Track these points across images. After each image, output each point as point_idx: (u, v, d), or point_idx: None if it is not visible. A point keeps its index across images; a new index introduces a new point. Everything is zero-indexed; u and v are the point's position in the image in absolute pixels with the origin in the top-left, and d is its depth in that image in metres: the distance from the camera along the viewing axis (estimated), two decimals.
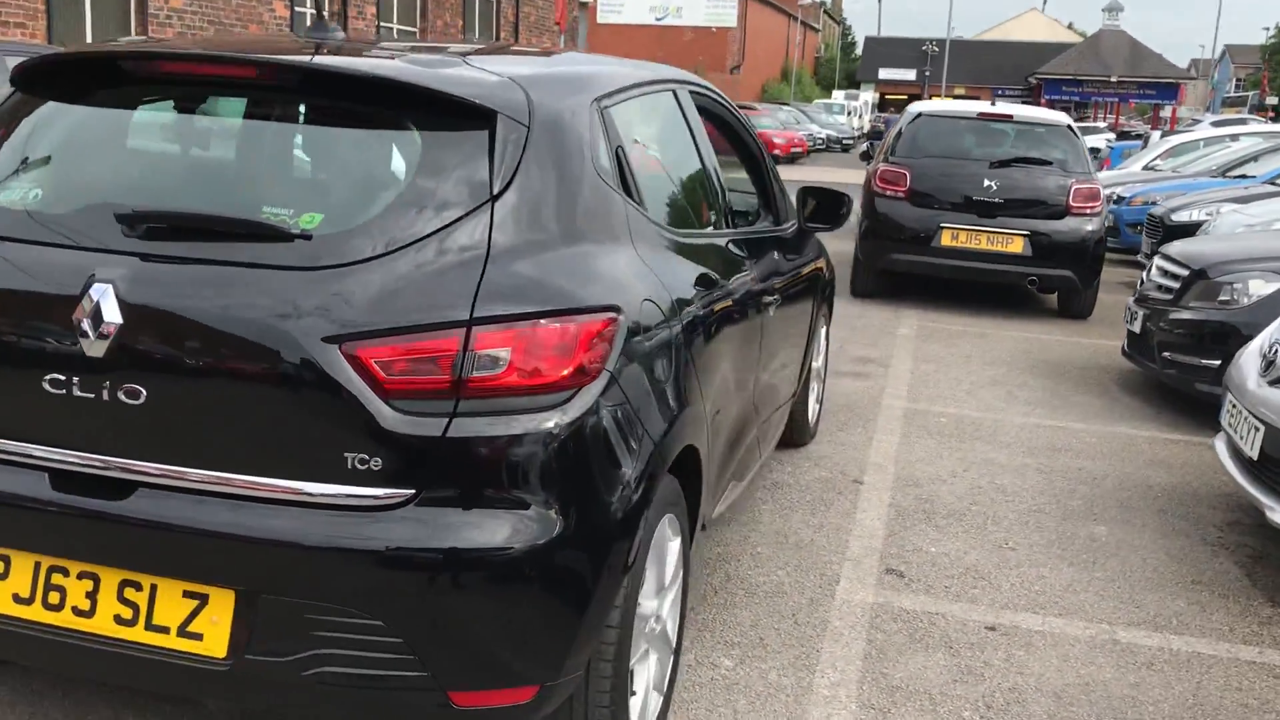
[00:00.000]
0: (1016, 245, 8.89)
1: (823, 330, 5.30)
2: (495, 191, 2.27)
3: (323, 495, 2.11)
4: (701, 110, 3.90)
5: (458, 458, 2.11)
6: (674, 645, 2.83)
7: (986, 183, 8.94)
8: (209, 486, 2.14)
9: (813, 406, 5.29)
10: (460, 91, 2.32)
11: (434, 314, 2.12)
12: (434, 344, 2.10)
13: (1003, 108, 9.66)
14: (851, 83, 78.35)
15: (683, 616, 2.92)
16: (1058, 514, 4.61)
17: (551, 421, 2.17)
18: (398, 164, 2.35)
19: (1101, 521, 4.55)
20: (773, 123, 41.27)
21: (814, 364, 5.15)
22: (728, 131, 4.18)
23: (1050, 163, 9.17)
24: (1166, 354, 6.23)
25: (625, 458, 2.31)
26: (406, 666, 2.13)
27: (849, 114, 59.58)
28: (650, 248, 2.74)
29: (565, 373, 2.19)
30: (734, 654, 3.27)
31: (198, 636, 2.17)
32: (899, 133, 9.63)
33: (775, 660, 3.25)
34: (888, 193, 9.21)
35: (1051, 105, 53.71)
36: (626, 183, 2.73)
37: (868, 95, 71.05)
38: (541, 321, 2.18)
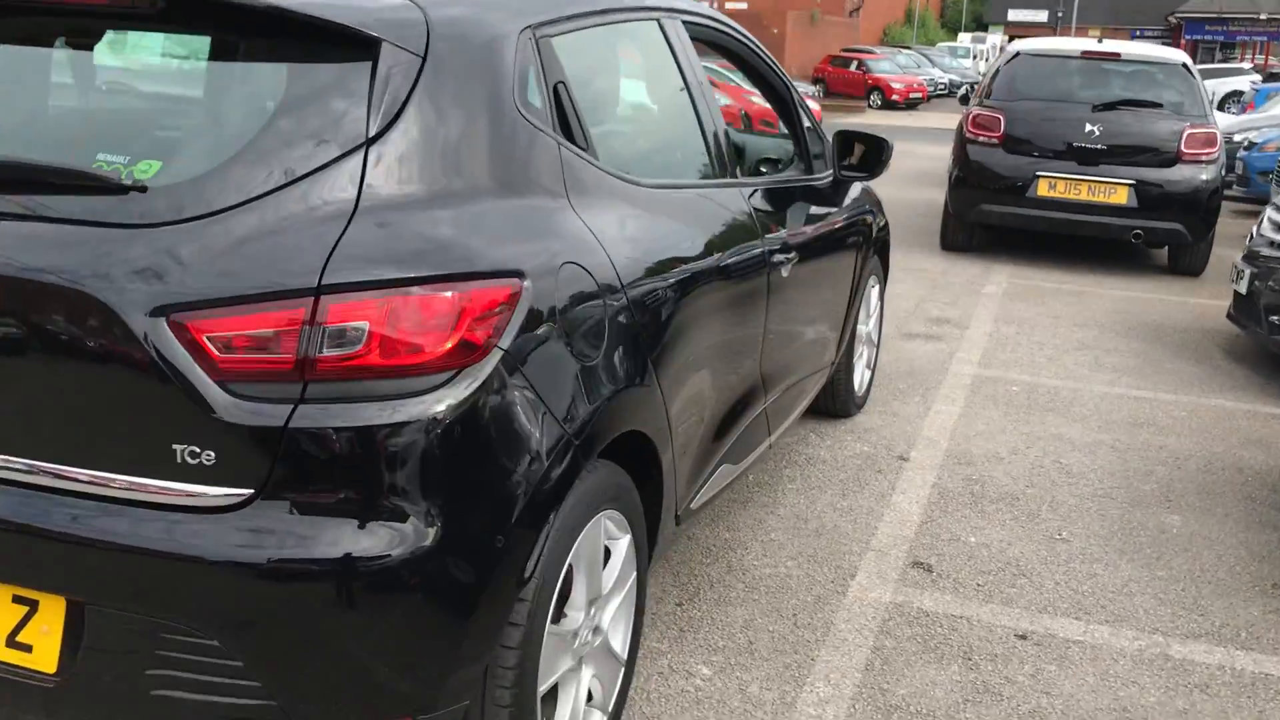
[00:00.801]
0: (1120, 196, 8.18)
1: (874, 290, 4.83)
2: (372, 133, 1.92)
3: (153, 492, 1.81)
4: (713, 45, 3.48)
5: (304, 452, 1.78)
6: (623, 659, 2.48)
7: (1089, 127, 8.23)
8: (30, 478, 1.86)
9: (861, 374, 4.84)
10: (334, 15, 1.96)
11: (277, 280, 1.78)
12: (275, 316, 1.77)
13: (1110, 45, 8.88)
14: (979, 25, 75.42)
15: (638, 625, 2.56)
16: (1126, 499, 4.10)
17: (422, 409, 1.82)
18: (257, 103, 2.01)
19: (1176, 509, 4.03)
20: (891, 67, 39.98)
21: (861, 328, 4.69)
22: (745, 69, 3.75)
23: (1161, 105, 8.39)
24: (1275, 318, 5.59)
25: (522, 450, 1.96)
26: (250, 694, 1.82)
27: (974, 58, 57.34)
28: (598, 202, 2.37)
29: (442, 351, 1.84)
30: (716, 660, 2.90)
31: (26, 648, 1.90)
32: (995, 73, 8.94)
33: (761, 669, 2.87)
34: (980, 139, 8.56)
35: (1194, 46, 50.88)
36: (568, 125, 2.35)
37: (995, 38, 68.23)
38: (414, 289, 1.83)
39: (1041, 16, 72.87)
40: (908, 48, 50.88)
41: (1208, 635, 3.16)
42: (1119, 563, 3.58)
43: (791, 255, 3.40)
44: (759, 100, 21.96)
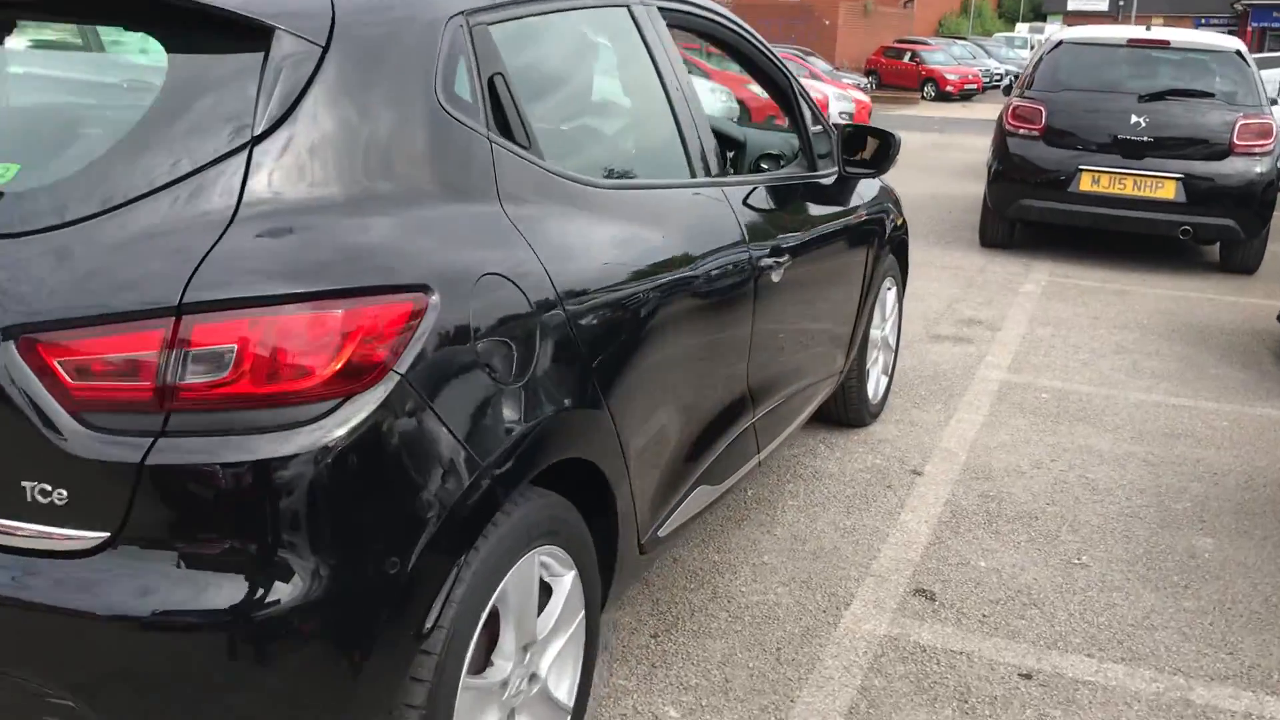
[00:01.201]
0: (1168, 190, 7.80)
1: (890, 293, 4.57)
2: (258, 132, 1.72)
3: (4, 533, 1.62)
4: (699, 33, 3.25)
5: (164, 492, 1.59)
6: (568, 707, 2.25)
7: (1135, 119, 7.86)
8: None
9: (877, 380, 4.58)
10: (222, 1, 1.76)
11: (136, 297, 1.59)
12: (131, 338, 1.58)
13: (1159, 33, 8.49)
14: (1037, 15, 74.12)
15: (589, 667, 2.34)
16: (1155, 519, 3.81)
17: (304, 442, 1.62)
18: (132, 100, 1.82)
19: (1210, 531, 3.73)
20: (945, 58, 39.41)
21: (875, 332, 4.43)
22: (738, 58, 3.51)
23: (1212, 95, 7.99)
24: None
25: (425, 486, 1.75)
26: None
27: (1032, 48, 56.31)
28: (540, 206, 2.15)
29: (327, 375, 1.63)
30: (685, 701, 2.68)
31: None
32: (1037, 63, 8.59)
33: (734, 712, 2.64)
34: (1020, 131, 8.22)
35: (1261, 33, 49.46)
36: (506, 121, 2.13)
37: (1054, 28, 67.08)
38: (293, 307, 1.63)
39: (1102, 4, 71.42)
40: (963, 39, 50.16)
41: (1235, 677, 2.88)
42: (1141, 591, 3.30)
43: (784, 259, 3.16)
44: (757, 90, 21.48)
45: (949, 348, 5.84)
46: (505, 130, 2.13)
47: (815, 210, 3.60)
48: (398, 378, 1.70)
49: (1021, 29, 63.96)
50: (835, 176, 3.77)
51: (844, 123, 3.82)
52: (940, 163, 15.82)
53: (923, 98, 37.38)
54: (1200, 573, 3.44)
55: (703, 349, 2.70)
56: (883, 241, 4.25)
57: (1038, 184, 8.13)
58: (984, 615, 3.12)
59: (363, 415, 1.66)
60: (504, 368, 1.91)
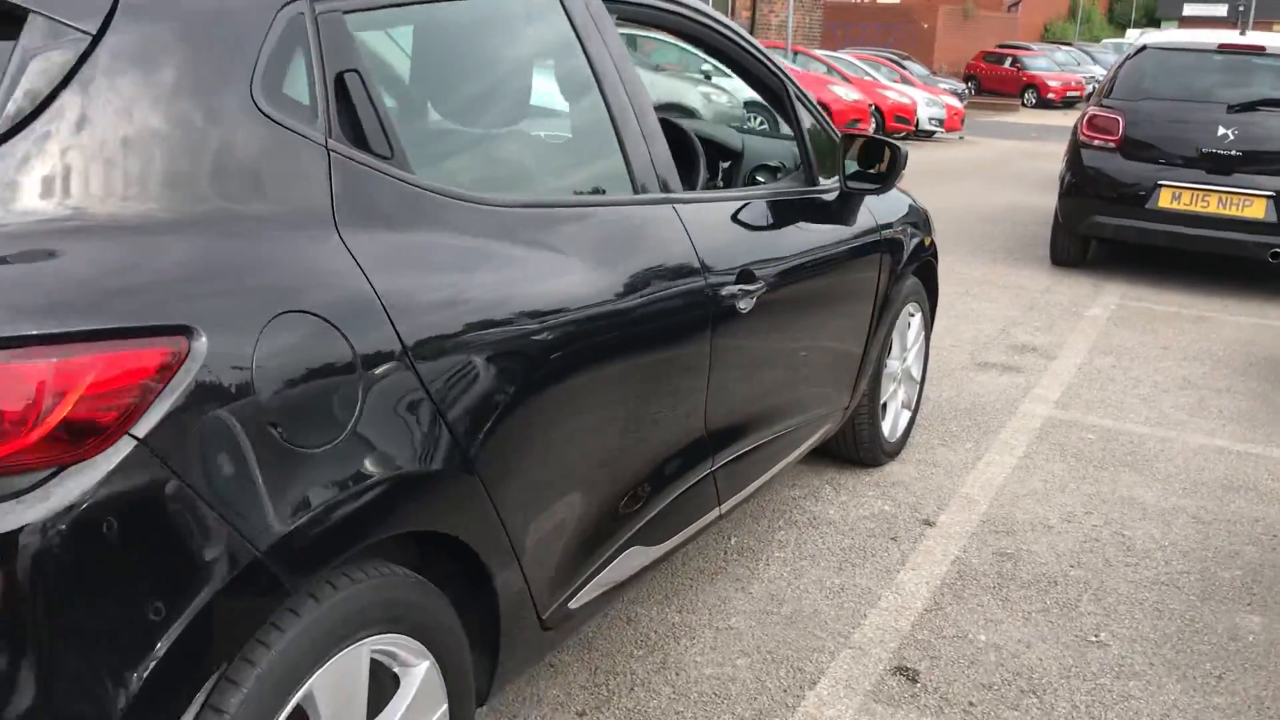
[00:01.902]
0: (1257, 209, 7.18)
1: (913, 319, 4.15)
2: None
3: None
4: (661, 27, 2.90)
5: None
6: None
7: (1222, 131, 7.25)
8: None
9: (895, 416, 4.16)
10: None
11: None
12: None
13: (1254, 38, 7.85)
14: (1150, 20, 71.70)
15: None
16: (1196, 590, 3.34)
17: None
18: None
19: (1259, 608, 3.25)
20: (1048, 64, 38.33)
21: (894, 363, 4.02)
22: (716, 55, 3.13)
23: None
24: None
25: (167, 577, 1.42)
26: None
27: None
28: (392, 226, 1.81)
29: (31, 441, 1.32)
30: None
31: None
32: (1118, 69, 8.01)
33: None
34: (1096, 142, 7.66)
35: None
36: (357, 126, 1.80)
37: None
38: None
39: (1220, 10, 68.75)
40: (1069, 44, 48.77)
41: None
42: (1165, 680, 2.85)
43: (756, 287, 2.77)
44: (894, 96, 20.72)
45: (994, 377, 5.37)
46: (356, 137, 1.80)
47: (809, 231, 3.21)
48: (134, 443, 1.38)
49: (1132, 35, 61.84)
50: (837, 192, 3.38)
51: (855, 132, 3.39)
52: (1027, 172, 15.15)
53: (1023, 104, 36.44)
54: (1240, 660, 2.97)
55: (634, 394, 2.34)
56: (901, 264, 3.83)
57: (1113, 199, 7.57)
58: (970, 704, 2.71)
59: (82, 490, 1.34)
60: (303, 427, 1.58)
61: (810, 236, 3.20)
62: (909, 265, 3.92)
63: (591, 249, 2.25)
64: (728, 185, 3.57)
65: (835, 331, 3.42)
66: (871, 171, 3.40)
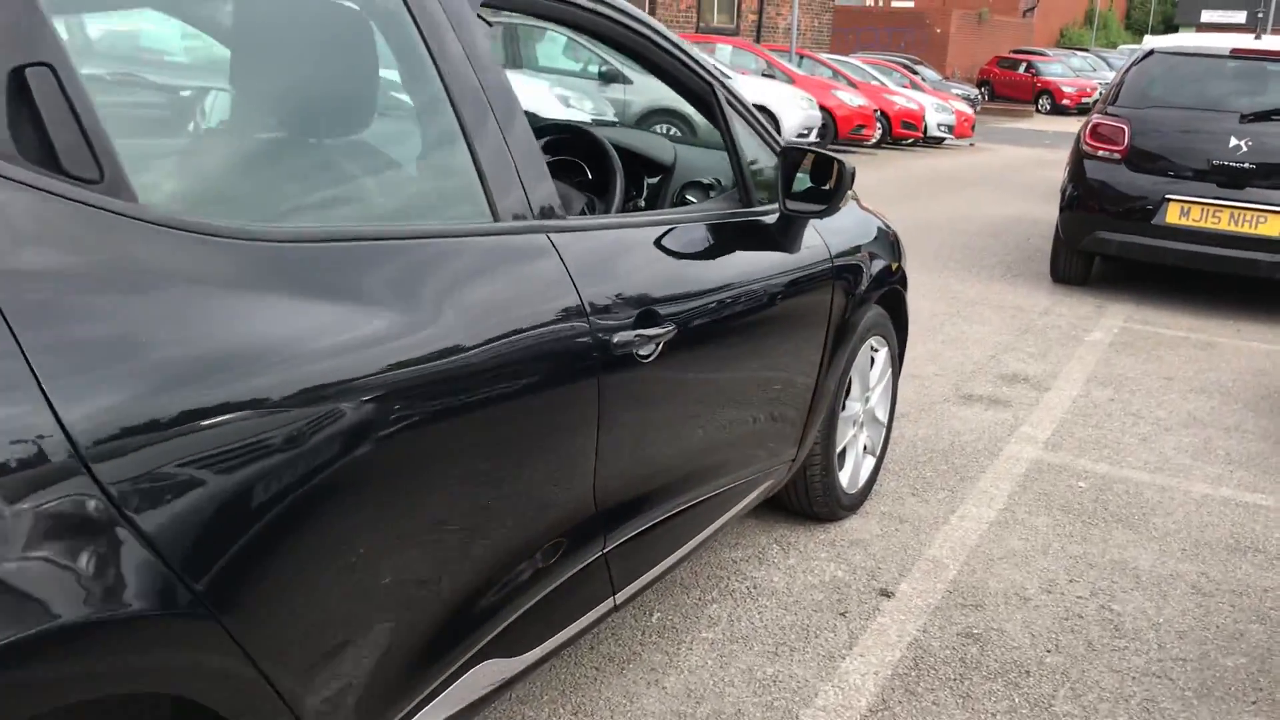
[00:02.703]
0: (1272, 226, 6.68)
1: (878, 355, 3.67)
2: None
3: None
4: (549, 19, 2.44)
5: None
6: None
7: (1234, 142, 6.75)
8: None
9: (855, 464, 3.68)
10: None
11: None
12: None
13: (1270, 42, 7.34)
14: (1169, 26, 70.91)
15: None
16: (1192, 683, 2.85)
17: None
18: None
19: (1264, 709, 2.77)
20: (1063, 70, 37.86)
21: (855, 405, 3.55)
22: (632, 56, 2.66)
23: None
24: None
25: None
26: None
27: None
28: (89, 272, 1.34)
29: None
30: None
31: None
32: (1124, 74, 7.51)
33: None
34: (1100, 152, 7.17)
35: None
36: (41, 139, 1.34)
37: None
38: None
39: (1239, 17, 67.92)
40: (1085, 50, 48.28)
41: None
42: None
43: (663, 330, 2.31)
44: (901, 101, 20.20)
45: (978, 413, 4.89)
46: (41, 153, 1.33)
47: (740, 261, 2.74)
48: None
49: (1149, 41, 60.96)
50: (777, 215, 2.91)
51: (802, 143, 2.91)
52: (1036, 181, 14.65)
53: (1037, 110, 36.04)
54: None
55: (480, 473, 1.87)
56: (861, 295, 3.35)
57: (1117, 214, 7.08)
58: None
59: None
60: None
61: (741, 268, 2.72)
62: (870, 295, 3.45)
63: (414, 291, 1.78)
64: (652, 206, 3.11)
65: (775, 375, 2.94)
66: (825, 188, 2.92)
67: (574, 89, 12.21)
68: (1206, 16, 68.32)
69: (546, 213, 2.11)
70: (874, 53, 29.38)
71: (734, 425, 2.77)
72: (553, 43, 13.41)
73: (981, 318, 6.62)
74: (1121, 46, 55.48)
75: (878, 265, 3.51)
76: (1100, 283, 7.75)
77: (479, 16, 2.09)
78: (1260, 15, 65.02)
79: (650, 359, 2.29)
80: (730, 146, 2.80)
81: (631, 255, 2.36)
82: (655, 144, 3.26)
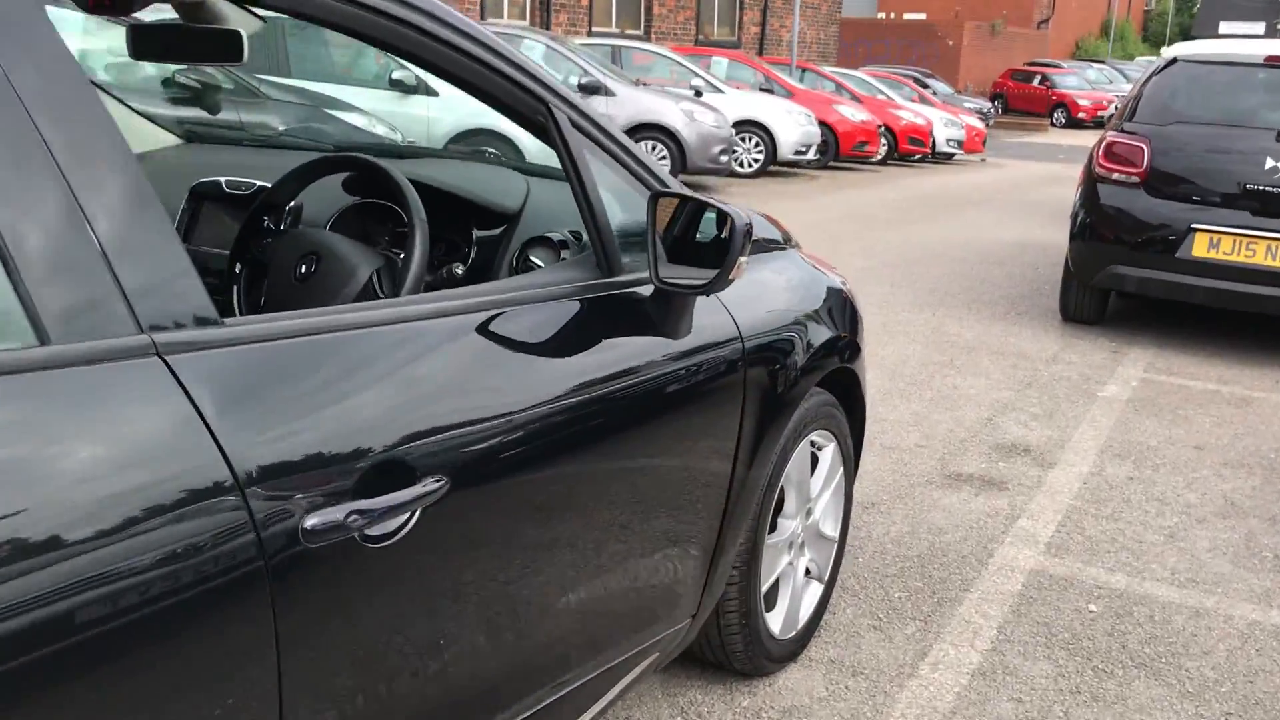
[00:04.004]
0: None
1: (821, 454, 2.80)
2: None
3: None
4: (298, 14, 1.59)
5: None
6: None
7: (1271, 163, 5.86)
8: None
9: (795, 596, 2.80)
10: None
11: None
12: None
13: None
14: (1185, 38, 69.96)
15: None
16: None
17: None
18: None
19: None
20: (1078, 82, 37.13)
21: (788, 524, 2.69)
22: (427, 66, 1.79)
23: None
24: None
25: None
26: None
27: None
28: None
29: None
30: None
31: None
32: (1142, 86, 6.62)
33: None
34: (1115, 175, 6.28)
35: None
36: None
37: None
38: None
39: (1258, 29, 66.86)
40: (1101, 62, 47.50)
41: None
42: None
43: (422, 492, 1.45)
44: (908, 116, 19.37)
45: (966, 500, 3.99)
46: None
47: (591, 357, 1.87)
48: None
49: (1167, 53, 59.83)
50: (650, 289, 2.04)
51: (674, 187, 2.02)
52: (1047, 199, 13.76)
53: (1052, 124, 35.32)
54: None
55: None
56: (791, 380, 2.48)
57: (1136, 245, 6.18)
58: None
59: None
60: None
61: (589, 367, 1.86)
62: (809, 377, 2.57)
63: None
64: (483, 272, 2.23)
65: (652, 511, 2.07)
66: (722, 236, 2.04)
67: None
68: (1224, 28, 67.26)
69: (167, 318, 1.26)
70: (883, 66, 28.53)
71: (579, 596, 1.90)
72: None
73: (978, 368, 5.73)
74: (1139, 58, 54.53)
75: (821, 336, 2.64)
76: (1116, 322, 6.86)
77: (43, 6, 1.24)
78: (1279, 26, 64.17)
79: (395, 538, 1.44)
80: (579, 191, 1.94)
81: (375, 367, 1.50)
82: (497, 182, 2.40)
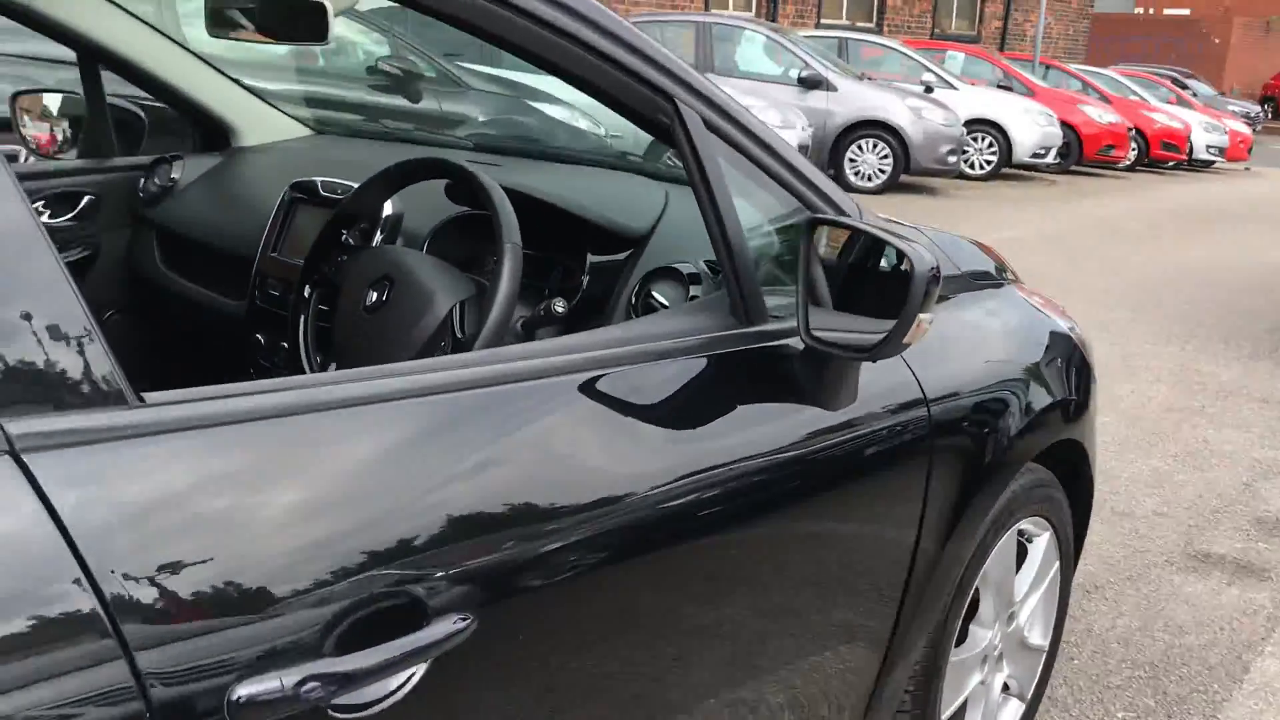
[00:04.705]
0: None
1: (1032, 546, 2.24)
2: None
3: None
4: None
5: None
6: None
7: None
8: None
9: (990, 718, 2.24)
10: None
11: None
12: None
13: None
14: None
15: None
16: None
17: None
18: None
19: None
20: None
21: (981, 638, 2.14)
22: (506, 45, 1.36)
23: None
24: None
25: None
26: None
27: None
28: None
29: None
30: None
31: None
32: None
33: None
34: None
35: None
36: None
37: None
38: None
39: None
40: None
41: None
42: None
43: (456, 625, 1.04)
44: (1163, 119, 17.86)
45: (1216, 590, 3.28)
46: None
47: (715, 430, 1.41)
48: None
49: None
50: (800, 346, 1.54)
51: (828, 219, 1.51)
52: None
53: None
54: None
55: None
56: (997, 455, 1.94)
57: None
58: None
59: None
60: None
61: (703, 450, 1.39)
62: (1022, 451, 2.03)
63: None
64: (592, 310, 1.78)
65: (792, 632, 1.58)
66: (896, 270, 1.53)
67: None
68: None
69: (38, 397, 0.88)
70: (1137, 65, 26.58)
71: None
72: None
73: (1237, 418, 4.89)
74: None
75: (1039, 399, 2.08)
76: None
77: None
78: None
79: (389, 702, 1.02)
80: (711, 214, 1.46)
81: (381, 452, 1.08)
82: (628, 196, 1.94)
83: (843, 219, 1.55)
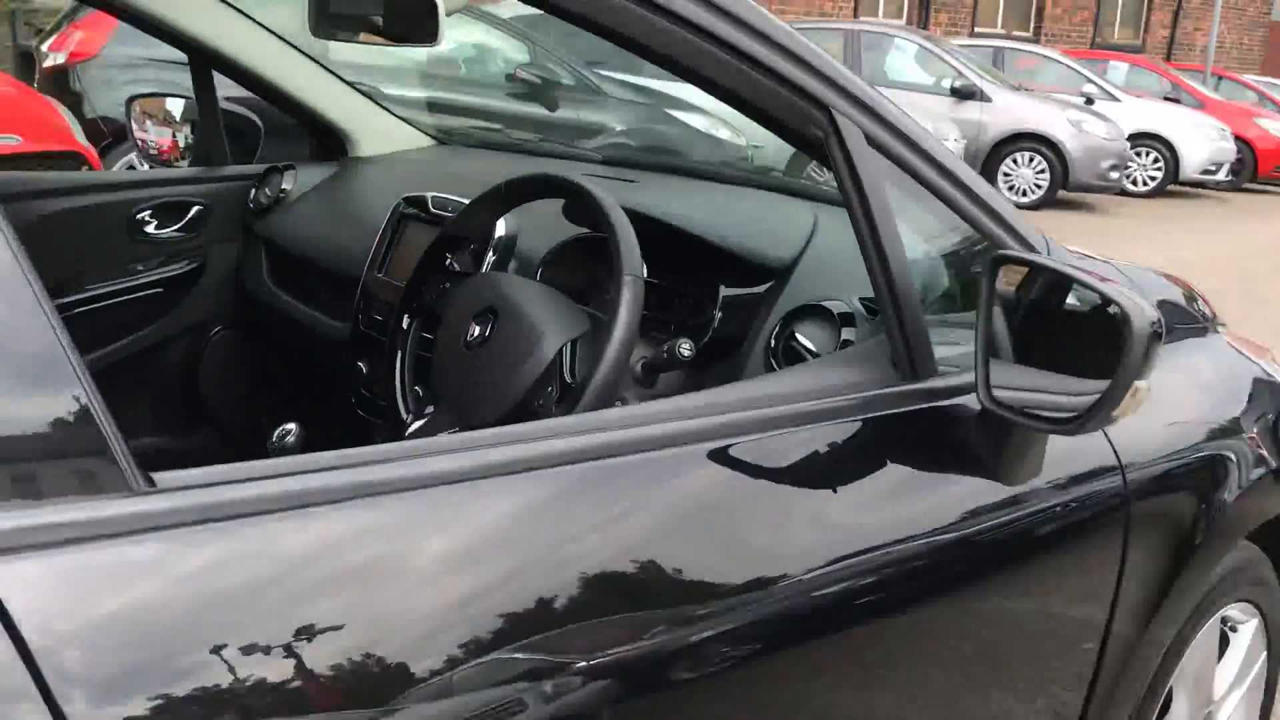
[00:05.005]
0: None
1: (1237, 635, 1.92)
2: None
3: None
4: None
5: None
6: None
7: None
8: None
9: None
10: None
11: None
12: None
13: None
14: None
15: None
16: None
17: None
18: None
19: None
20: None
21: None
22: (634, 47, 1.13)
23: None
24: None
25: None
26: None
27: None
28: None
29: None
30: None
31: None
32: None
33: None
34: None
35: None
36: None
37: None
38: None
39: None
40: None
41: None
42: None
43: None
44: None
45: None
46: None
47: (873, 506, 1.17)
48: None
49: None
50: (977, 409, 1.27)
51: (1044, 260, 1.24)
52: None
53: None
54: None
55: None
56: (1202, 530, 1.63)
57: None
58: None
59: None
60: None
61: (857, 530, 1.15)
62: (1232, 530, 1.72)
63: None
64: (719, 352, 1.53)
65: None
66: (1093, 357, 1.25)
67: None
68: None
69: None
70: None
71: None
72: None
73: None
74: None
75: (1256, 464, 1.76)
76: None
77: None
78: None
79: None
80: (871, 246, 1.21)
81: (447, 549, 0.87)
82: (765, 219, 1.69)
83: (1033, 256, 1.28)
